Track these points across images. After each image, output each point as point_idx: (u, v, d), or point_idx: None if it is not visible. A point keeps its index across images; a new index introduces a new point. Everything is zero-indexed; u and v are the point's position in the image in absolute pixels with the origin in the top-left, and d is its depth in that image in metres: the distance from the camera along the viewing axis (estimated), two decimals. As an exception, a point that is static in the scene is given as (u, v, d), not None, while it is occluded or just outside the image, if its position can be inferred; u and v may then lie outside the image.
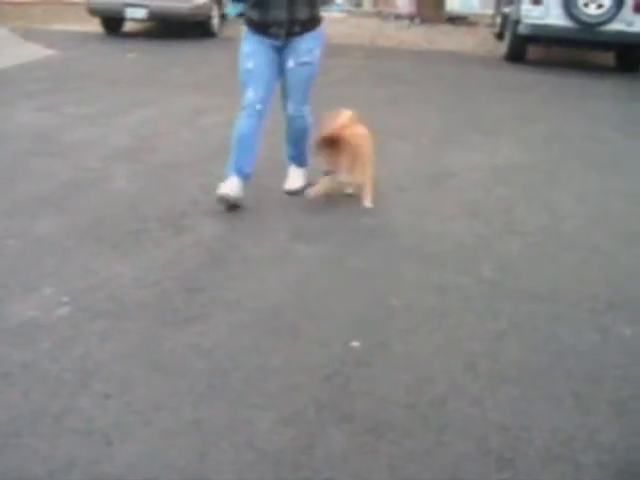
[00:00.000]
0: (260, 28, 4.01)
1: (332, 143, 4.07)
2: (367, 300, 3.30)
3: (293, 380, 2.69)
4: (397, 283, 3.48)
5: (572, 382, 2.74)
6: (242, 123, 4.09)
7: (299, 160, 4.53)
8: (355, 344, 2.93)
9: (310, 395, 2.61)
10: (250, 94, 4.04)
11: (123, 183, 4.63)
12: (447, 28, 12.91)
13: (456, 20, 13.97)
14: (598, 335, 3.08)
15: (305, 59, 4.07)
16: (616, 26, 8.95)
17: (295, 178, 4.53)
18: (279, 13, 3.96)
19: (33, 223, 3.98)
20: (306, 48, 4.06)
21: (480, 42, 11.42)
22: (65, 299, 3.18)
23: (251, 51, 4.03)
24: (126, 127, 5.89)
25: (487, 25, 12.78)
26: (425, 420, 2.51)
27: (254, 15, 4.03)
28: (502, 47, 10.54)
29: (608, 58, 10.11)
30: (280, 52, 4.07)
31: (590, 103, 7.70)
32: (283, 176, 4.58)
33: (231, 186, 4.05)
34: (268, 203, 4.40)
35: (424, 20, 13.33)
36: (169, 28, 10.84)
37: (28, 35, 10.21)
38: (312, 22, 4.08)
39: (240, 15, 4.31)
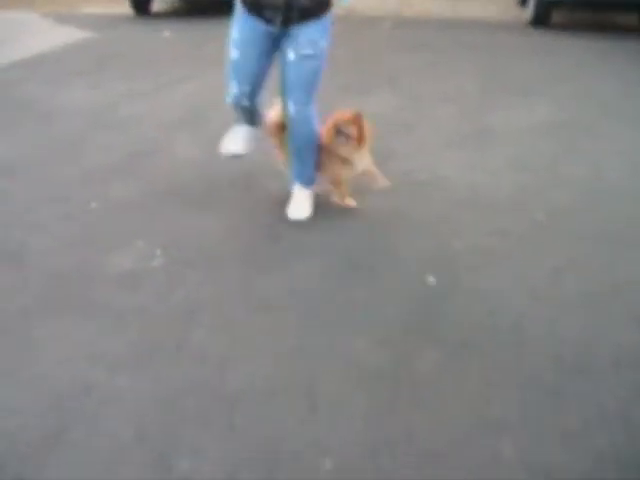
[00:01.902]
0: (253, 9, 3.32)
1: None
2: (432, 244, 3.56)
3: (380, 310, 2.97)
4: (457, 229, 3.72)
5: (632, 308, 2.99)
6: (238, 109, 3.74)
7: (304, 177, 3.81)
8: (431, 280, 3.19)
9: (398, 322, 2.89)
10: (234, 89, 3.54)
11: (186, 150, 4.89)
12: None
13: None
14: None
15: (307, 51, 3.34)
16: (639, -14, 9.05)
17: (300, 202, 3.83)
18: None
19: (110, 188, 4.25)
20: (309, 39, 3.33)
21: (503, 8, 11.54)
22: (158, 252, 3.46)
23: (240, 39, 3.40)
24: (176, 101, 6.14)
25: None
26: (503, 340, 2.78)
27: None
28: (525, 13, 10.67)
29: (631, 19, 10.22)
30: (278, 41, 3.40)
31: (618, 63, 7.85)
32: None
33: (236, 140, 3.91)
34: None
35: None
36: (197, 7, 11.05)
37: (60, 19, 10.44)
38: (317, 8, 3.31)
39: None
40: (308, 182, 3.84)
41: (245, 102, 3.61)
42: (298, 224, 3.75)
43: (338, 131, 3.64)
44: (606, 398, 2.45)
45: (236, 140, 3.91)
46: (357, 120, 3.66)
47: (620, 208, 4.03)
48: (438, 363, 2.64)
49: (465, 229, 3.73)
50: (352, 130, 3.64)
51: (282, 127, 3.71)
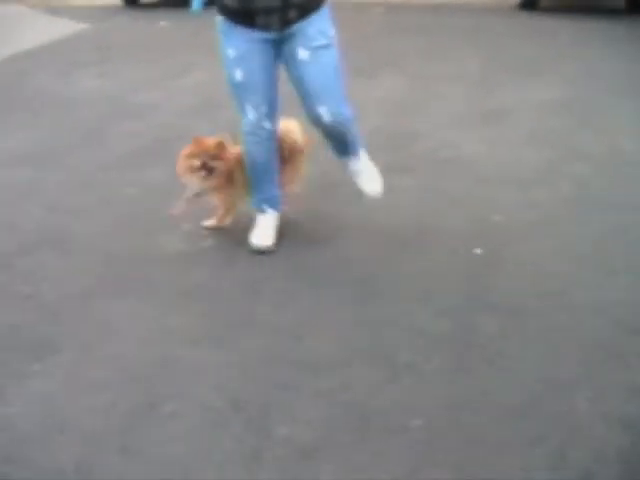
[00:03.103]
0: (243, 18, 2.90)
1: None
2: (471, 218, 3.68)
3: (434, 282, 3.08)
4: (492, 204, 3.84)
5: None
6: (252, 151, 3.23)
7: (354, 149, 3.33)
8: (478, 251, 3.31)
9: (453, 291, 3.01)
10: (250, 115, 3.09)
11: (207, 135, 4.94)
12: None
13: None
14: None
15: (321, 42, 2.94)
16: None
17: (373, 173, 3.44)
18: None
19: (143, 173, 4.32)
20: (318, 30, 2.94)
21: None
22: (205, 233, 3.53)
23: (237, 56, 2.97)
24: (188, 88, 6.20)
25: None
26: (556, 305, 2.91)
27: (229, 1, 2.90)
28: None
29: (618, 1, 10.40)
30: (279, 44, 2.97)
31: (613, 43, 8.04)
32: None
33: (261, 235, 3.35)
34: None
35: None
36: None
37: (51, 12, 10.39)
38: (313, 1, 2.96)
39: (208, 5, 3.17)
40: (356, 151, 3.32)
41: (267, 125, 3.13)
42: (334, 202, 3.83)
43: (203, 164, 3.26)
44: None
45: (266, 232, 3.35)
46: (221, 150, 3.27)
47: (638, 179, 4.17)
48: (498, 328, 2.76)
49: (499, 203, 3.84)
50: (218, 164, 3.27)
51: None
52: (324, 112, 2.99)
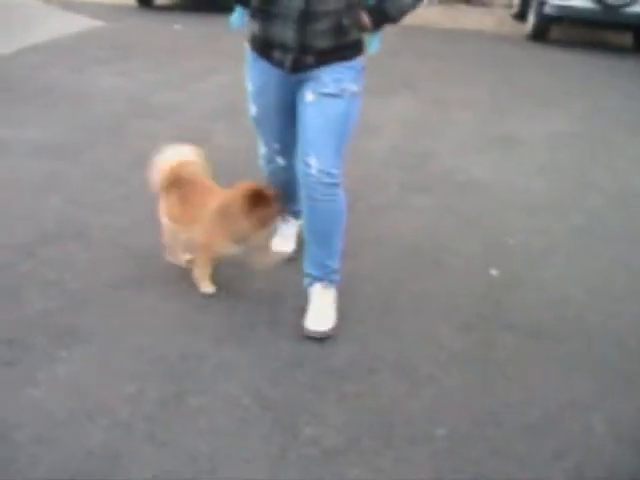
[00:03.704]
0: (263, 49, 2.69)
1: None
2: (487, 240, 3.75)
3: (453, 300, 3.14)
4: (505, 227, 3.93)
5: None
6: (269, 176, 3.13)
7: (326, 272, 2.83)
8: (494, 272, 3.39)
9: (471, 310, 3.07)
10: (262, 149, 3.04)
11: (227, 140, 5.02)
12: (464, 7, 13.31)
13: (471, 0, 14.35)
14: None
15: (330, 90, 2.60)
16: (637, 8, 9.44)
17: (324, 308, 2.83)
18: (284, 30, 2.55)
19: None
20: (333, 78, 2.60)
21: (499, 22, 11.83)
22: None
23: (254, 91, 2.82)
24: (207, 92, 6.26)
25: (503, 5, 13.17)
26: (569, 328, 3.00)
27: (256, 28, 2.69)
28: (522, 27, 10.98)
29: (625, 38, 10.60)
30: (296, 84, 2.70)
31: (619, 80, 8.20)
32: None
33: (282, 242, 3.36)
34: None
35: (441, 0, 13.72)
36: (202, 1, 11.10)
37: (65, 6, 10.41)
38: (341, 51, 2.61)
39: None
40: (330, 277, 2.84)
41: (280, 161, 3.01)
42: (356, 218, 3.88)
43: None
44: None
45: (285, 240, 3.36)
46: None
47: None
48: (516, 347, 2.83)
49: (512, 227, 3.93)
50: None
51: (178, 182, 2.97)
52: (313, 163, 2.59)
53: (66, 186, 4.09)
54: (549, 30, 10.20)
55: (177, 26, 9.24)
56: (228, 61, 7.28)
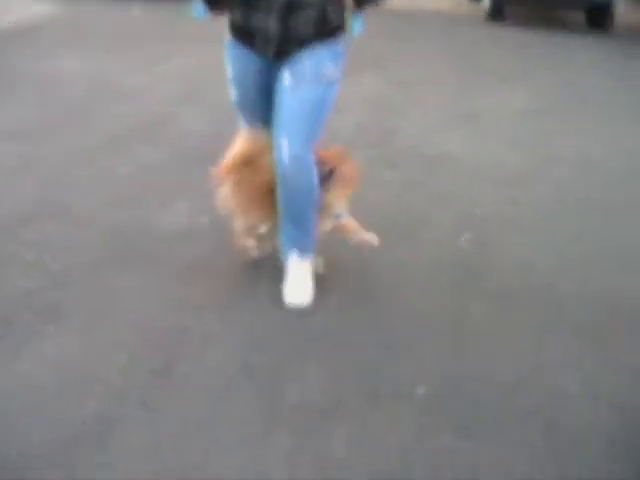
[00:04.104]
0: (242, 36, 2.70)
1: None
2: (456, 212, 3.86)
3: (426, 268, 3.24)
4: (473, 199, 4.04)
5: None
6: None
7: (303, 247, 2.92)
8: (464, 242, 3.50)
9: (444, 278, 3.18)
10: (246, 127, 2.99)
11: (195, 121, 5.06)
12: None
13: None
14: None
15: (310, 75, 2.64)
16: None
17: (301, 280, 2.92)
18: (265, 20, 2.59)
19: (132, 154, 4.39)
20: (313, 62, 2.64)
21: (456, 3, 11.96)
22: (202, 211, 3.62)
23: (234, 77, 2.82)
24: (171, 75, 6.26)
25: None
26: (541, 293, 3.11)
27: (236, 16, 2.69)
28: (478, 7, 11.16)
29: (579, 17, 10.81)
30: (276, 67, 2.70)
31: (576, 56, 8.40)
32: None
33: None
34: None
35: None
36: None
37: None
38: (323, 36, 2.64)
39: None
40: (305, 248, 2.92)
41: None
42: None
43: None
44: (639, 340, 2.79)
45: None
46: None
47: (609, 181, 4.45)
48: (488, 312, 2.93)
49: (481, 199, 4.04)
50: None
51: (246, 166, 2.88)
52: (284, 145, 2.64)
53: (40, 168, 4.10)
54: (504, 10, 10.37)
55: (136, 11, 9.19)
56: (189, 45, 7.31)
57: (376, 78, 6.61)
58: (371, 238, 3.02)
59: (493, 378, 2.51)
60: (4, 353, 2.49)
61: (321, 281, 2.98)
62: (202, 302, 2.86)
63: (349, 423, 2.25)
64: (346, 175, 2.87)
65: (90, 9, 9.40)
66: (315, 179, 2.76)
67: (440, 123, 5.39)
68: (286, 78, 2.65)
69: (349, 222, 3.02)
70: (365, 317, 2.82)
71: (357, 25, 2.78)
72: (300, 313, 2.81)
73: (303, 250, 2.92)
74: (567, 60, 8.08)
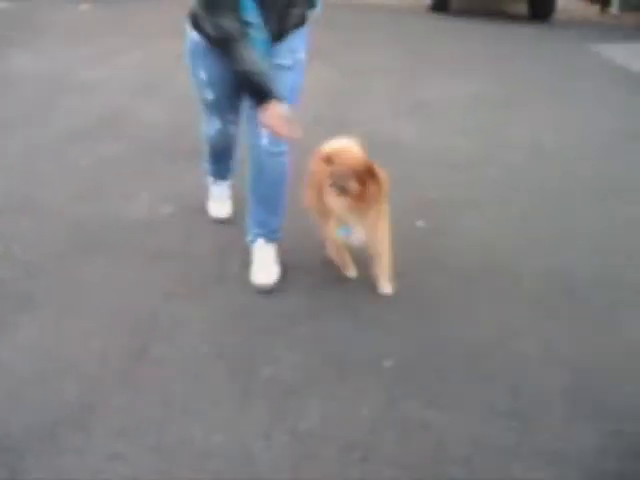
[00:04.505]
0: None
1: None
2: (412, 196, 3.98)
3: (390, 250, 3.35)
4: (426, 183, 4.18)
5: (592, 243, 3.57)
6: (216, 142, 3.25)
7: (270, 230, 3.03)
8: (421, 224, 3.63)
9: (403, 258, 3.27)
10: (216, 124, 3.09)
11: (154, 114, 5.10)
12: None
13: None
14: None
15: (285, 61, 2.78)
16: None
17: (267, 263, 3.01)
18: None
19: (92, 147, 4.43)
20: (288, 47, 2.79)
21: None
22: (164, 201, 3.70)
23: (210, 78, 2.88)
24: (129, 68, 6.29)
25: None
26: (499, 269, 3.25)
27: (210, 30, 2.70)
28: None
29: (521, 8, 11.10)
30: None
31: (520, 46, 8.66)
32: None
33: (218, 207, 3.55)
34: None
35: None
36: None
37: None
38: (293, 25, 2.80)
39: None
40: (273, 235, 3.04)
41: (232, 130, 3.14)
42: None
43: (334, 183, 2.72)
44: (589, 309, 2.99)
45: (222, 204, 3.54)
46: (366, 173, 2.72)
47: (560, 166, 4.62)
48: (450, 288, 3.08)
49: (433, 183, 4.18)
50: (352, 185, 2.71)
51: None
52: (265, 133, 2.74)
53: (5, 162, 4.12)
54: (448, 1, 10.59)
55: (84, 6, 9.13)
56: (141, 39, 7.32)
57: (326, 69, 6.72)
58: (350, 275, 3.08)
59: (457, 348, 2.64)
60: (-23, 343, 2.52)
61: (289, 264, 3.08)
62: (171, 288, 2.93)
63: (321, 396, 2.36)
64: (372, 193, 2.75)
65: (37, 3, 9.31)
66: (287, 162, 2.90)
67: (393, 112, 5.53)
68: None
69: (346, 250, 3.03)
70: (332, 297, 2.93)
71: (320, 1, 2.92)
72: (269, 296, 2.90)
73: (270, 233, 3.03)
74: (512, 50, 8.33)
